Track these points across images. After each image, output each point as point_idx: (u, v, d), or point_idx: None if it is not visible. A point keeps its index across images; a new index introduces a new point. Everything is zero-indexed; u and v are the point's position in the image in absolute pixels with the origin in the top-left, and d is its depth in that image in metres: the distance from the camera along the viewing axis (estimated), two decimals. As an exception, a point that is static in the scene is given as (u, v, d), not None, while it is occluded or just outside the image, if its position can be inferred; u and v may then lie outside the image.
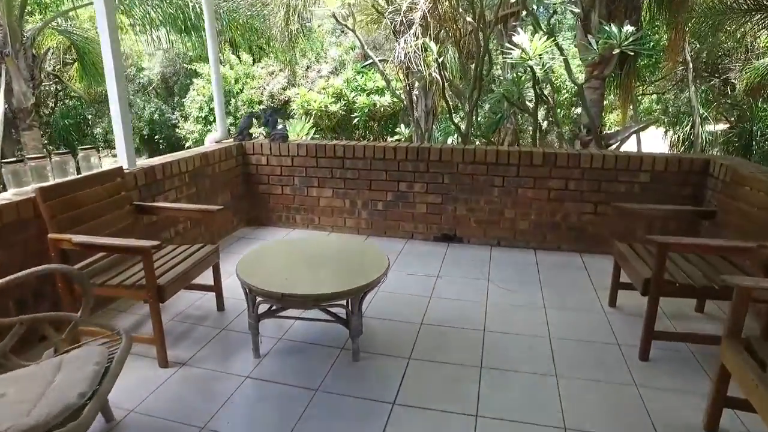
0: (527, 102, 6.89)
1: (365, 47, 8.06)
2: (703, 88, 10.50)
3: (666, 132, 11.51)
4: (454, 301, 3.15)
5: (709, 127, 10.54)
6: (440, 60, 6.32)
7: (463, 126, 6.31)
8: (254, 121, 5.40)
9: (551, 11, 6.88)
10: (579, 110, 9.01)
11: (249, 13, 9.27)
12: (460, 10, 6.37)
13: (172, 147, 13.48)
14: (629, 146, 8.88)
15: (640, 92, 11.89)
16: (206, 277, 2.90)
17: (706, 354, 2.51)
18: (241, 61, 12.75)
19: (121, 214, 2.84)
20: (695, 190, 3.68)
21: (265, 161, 4.48)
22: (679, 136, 10.78)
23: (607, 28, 4.60)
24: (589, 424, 2.04)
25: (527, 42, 4.63)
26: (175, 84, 15.06)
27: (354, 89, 10.81)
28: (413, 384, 2.30)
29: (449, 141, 7.79)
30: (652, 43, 8.82)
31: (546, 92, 6.80)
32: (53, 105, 13.45)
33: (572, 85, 8.19)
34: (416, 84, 7.59)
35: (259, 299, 2.36)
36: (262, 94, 12.55)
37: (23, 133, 7.99)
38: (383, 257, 2.60)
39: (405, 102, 8.05)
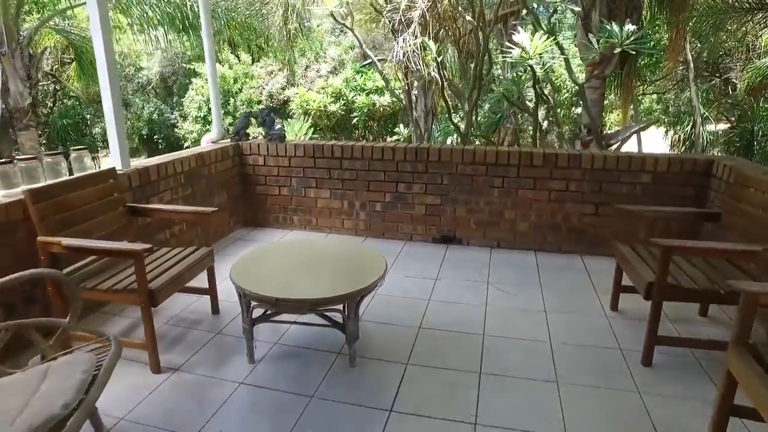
0: (527, 102, 6.84)
1: (363, 46, 8.01)
2: (703, 87, 10.44)
3: (666, 132, 11.45)
4: (453, 305, 3.10)
5: (710, 127, 10.48)
6: (439, 59, 6.27)
7: (462, 126, 6.26)
8: (252, 120, 5.35)
9: (551, 10, 6.83)
10: (579, 110, 8.95)
11: (247, 12, 9.22)
12: (460, 8, 6.33)
13: (171, 147, 13.44)
14: (630, 146, 8.82)
15: (641, 92, 11.83)
16: (202, 280, 2.85)
17: (710, 359, 2.46)
18: (240, 60, 12.70)
19: (114, 216, 2.79)
20: (698, 191, 3.63)
21: (262, 162, 4.43)
22: (679, 136, 10.72)
23: (608, 26, 4.55)
24: (590, 433, 1.99)
25: (527, 41, 4.58)
26: (174, 84, 15.02)
27: (353, 89, 10.76)
28: (411, 390, 2.25)
29: (449, 141, 7.73)
30: (652, 43, 8.76)
31: (546, 92, 6.75)
32: (52, 105, 13.39)
33: (572, 84, 8.15)
34: (415, 83, 7.54)
35: (253, 304, 2.31)
36: (261, 93, 12.51)
37: (20, 133, 7.94)
38: (380, 260, 2.54)
39: (404, 102, 8.00)
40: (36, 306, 2.49)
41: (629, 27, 4.44)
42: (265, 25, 9.44)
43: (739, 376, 1.72)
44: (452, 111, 7.29)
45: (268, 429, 2.02)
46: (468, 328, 2.79)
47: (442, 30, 6.72)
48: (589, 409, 2.13)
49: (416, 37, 6.14)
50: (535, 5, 5.67)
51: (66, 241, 2.24)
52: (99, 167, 3.09)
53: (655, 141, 12.01)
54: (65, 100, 13.75)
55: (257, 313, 2.43)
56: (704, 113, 9.80)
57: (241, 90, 12.46)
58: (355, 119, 10.63)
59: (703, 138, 9.47)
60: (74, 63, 10.35)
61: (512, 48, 4.77)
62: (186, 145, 12.29)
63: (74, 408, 1.51)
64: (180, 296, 2.97)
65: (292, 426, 2.02)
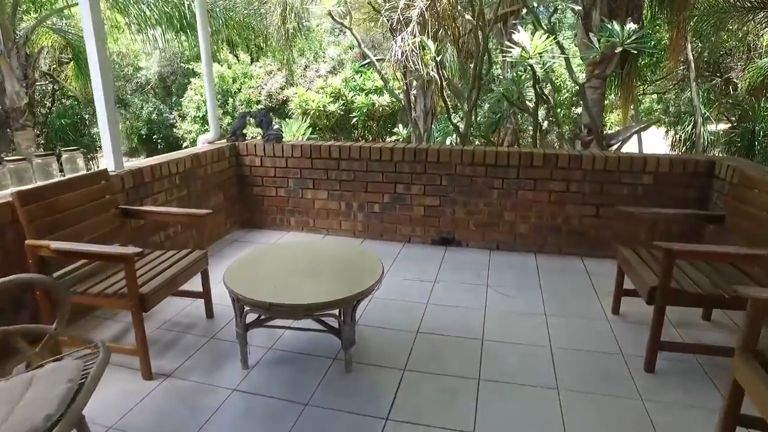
0: (527, 101, 6.78)
1: (362, 46, 7.96)
2: (704, 87, 10.38)
3: (667, 132, 11.40)
4: (452, 308, 3.05)
5: (711, 127, 10.42)
6: (439, 59, 6.22)
7: (462, 126, 6.21)
8: (251, 120, 5.30)
9: (552, 9, 6.78)
10: (579, 110, 8.91)
11: (246, 11, 9.17)
12: (459, 7, 6.28)
13: (170, 146, 13.40)
14: (630, 146, 8.77)
15: (641, 92, 11.78)
16: (196, 283, 2.80)
17: (714, 365, 2.40)
18: (239, 60, 12.65)
19: (106, 218, 2.74)
20: (700, 192, 3.58)
21: (259, 162, 4.37)
22: (680, 136, 10.66)
23: (609, 25, 4.50)
24: (592, 442, 1.94)
25: (527, 40, 4.53)
26: (173, 83, 14.97)
27: (352, 89, 10.71)
28: (407, 397, 2.20)
29: (448, 141, 7.68)
30: (653, 42, 8.71)
31: (546, 92, 6.69)
32: (50, 105, 13.33)
33: (572, 84, 8.09)
34: (414, 83, 7.48)
35: (246, 308, 2.26)
36: (260, 93, 12.46)
37: (16, 133, 7.90)
38: (377, 263, 2.49)
39: (403, 102, 7.95)
40: (26, 311, 2.44)
41: (631, 26, 4.40)
42: (264, 25, 9.39)
43: (746, 384, 1.67)
44: (451, 111, 7.24)
45: (261, 438, 1.97)
46: (467, 333, 2.74)
47: (441, 29, 6.66)
48: (590, 417, 2.08)
49: (415, 37, 6.08)
50: (535, 4, 5.63)
51: (55, 244, 2.19)
52: (98, 167, 3.04)
53: (656, 141, 11.96)
54: (64, 100, 13.69)
55: (251, 318, 2.37)
56: (705, 113, 9.74)
57: (240, 90, 12.41)
58: (355, 119, 10.58)
59: (703, 138, 9.42)
60: (72, 63, 10.29)
61: (512, 47, 4.72)
62: (185, 145, 12.25)
63: (58, 419, 1.46)
64: (174, 300, 2.92)
65: (286, 435, 1.97)
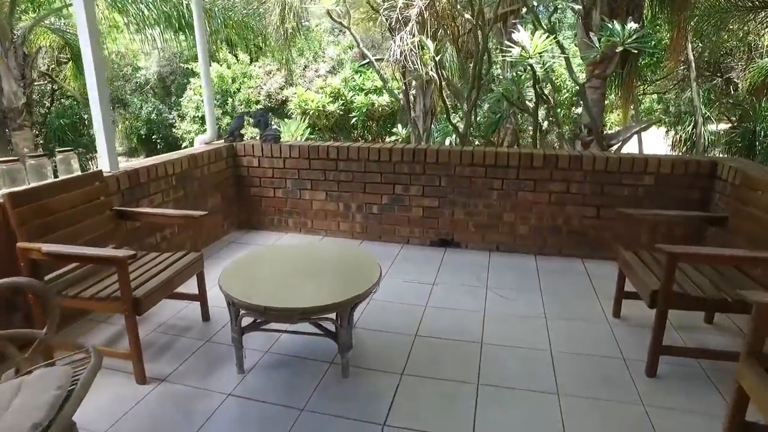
0: (527, 101, 6.74)
1: (361, 45, 7.92)
2: (705, 87, 10.35)
3: (667, 132, 11.37)
4: (451, 311, 3.01)
5: (711, 127, 10.39)
6: (438, 58, 6.18)
7: (461, 126, 6.18)
8: (250, 120, 5.26)
9: (552, 9, 6.74)
10: (579, 110, 8.87)
11: (245, 11, 9.13)
12: (459, 6, 6.24)
13: (170, 146, 13.37)
14: (630, 146, 8.74)
15: (641, 92, 11.74)
16: (192, 285, 2.77)
17: (717, 369, 2.37)
18: (238, 60, 12.62)
19: (101, 220, 2.70)
20: (702, 193, 3.54)
21: (257, 163, 4.34)
22: (680, 136, 10.63)
23: (609, 25, 4.46)
24: (593, 448, 1.91)
25: (527, 40, 4.49)
26: (172, 83, 14.93)
27: (352, 89, 10.68)
28: (405, 402, 2.16)
29: (447, 141, 7.64)
30: (653, 42, 8.67)
31: (546, 91, 6.65)
32: (49, 105, 13.29)
33: (572, 84, 8.06)
34: (413, 83, 7.45)
35: (242, 312, 2.22)
36: (259, 93, 12.43)
37: (14, 133, 7.85)
38: (375, 266, 2.45)
39: (402, 102, 7.91)
40: (18, 314, 2.41)
41: (632, 25, 4.36)
42: (263, 25, 9.35)
43: (751, 390, 1.63)
44: (451, 111, 7.20)
45: (256, 444, 1.94)
46: (466, 336, 2.70)
47: (440, 28, 6.63)
48: (591, 422, 2.05)
49: (414, 36, 6.05)
50: (535, 3, 5.58)
51: (46, 247, 2.15)
52: (97, 167, 3.00)
53: (656, 141, 11.92)
54: (63, 100, 13.65)
55: (246, 321, 2.33)
56: (705, 113, 9.71)
57: (239, 90, 12.38)
58: (354, 119, 10.54)
59: (704, 138, 9.38)
60: (70, 63, 10.25)
61: (512, 47, 4.68)
62: (184, 145, 12.21)
63: (46, 427, 1.43)
64: (169, 302, 2.89)
65: (281, 441, 1.93)
